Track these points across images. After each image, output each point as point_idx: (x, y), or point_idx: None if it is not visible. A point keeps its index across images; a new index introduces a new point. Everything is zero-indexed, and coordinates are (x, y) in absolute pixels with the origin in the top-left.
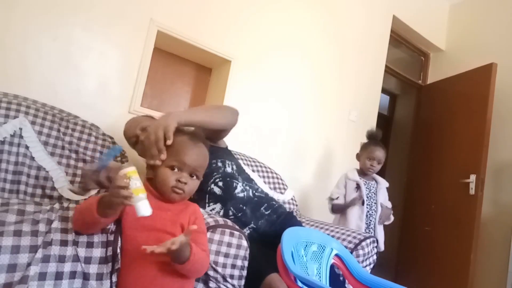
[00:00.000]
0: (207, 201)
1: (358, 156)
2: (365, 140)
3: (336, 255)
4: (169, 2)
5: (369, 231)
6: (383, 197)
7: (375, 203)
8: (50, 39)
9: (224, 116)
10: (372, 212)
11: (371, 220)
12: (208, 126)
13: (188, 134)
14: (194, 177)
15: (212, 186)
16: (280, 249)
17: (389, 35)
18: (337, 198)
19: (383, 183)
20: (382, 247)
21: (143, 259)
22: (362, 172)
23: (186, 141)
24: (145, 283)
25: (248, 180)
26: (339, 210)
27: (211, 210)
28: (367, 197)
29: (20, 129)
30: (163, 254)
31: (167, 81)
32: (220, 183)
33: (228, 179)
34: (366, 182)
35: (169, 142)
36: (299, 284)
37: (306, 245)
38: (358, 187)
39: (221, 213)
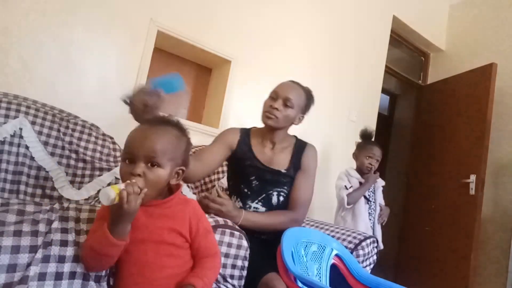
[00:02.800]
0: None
1: (355, 156)
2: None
3: (336, 255)
4: (169, 2)
5: (371, 229)
6: (380, 196)
7: (373, 202)
8: (50, 39)
9: (282, 226)
10: (371, 211)
11: (370, 219)
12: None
13: (151, 121)
14: (156, 166)
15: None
16: (280, 249)
17: (389, 35)
18: (350, 187)
19: (380, 182)
20: (381, 245)
21: (141, 276)
22: (360, 172)
23: (140, 127)
24: None
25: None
26: (356, 197)
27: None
28: (368, 195)
29: (20, 129)
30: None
31: None
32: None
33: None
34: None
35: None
36: (299, 284)
37: (306, 245)
38: (360, 184)
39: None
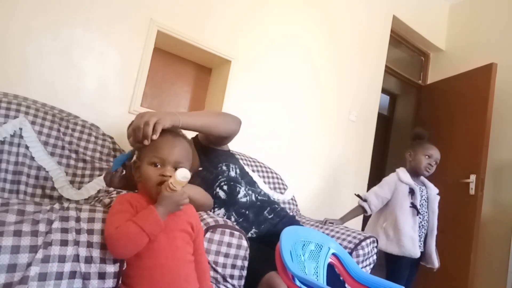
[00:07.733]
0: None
1: (410, 155)
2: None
3: (334, 254)
4: (169, 2)
5: (420, 244)
6: (435, 206)
7: (426, 211)
8: (50, 39)
9: (225, 123)
10: (424, 223)
11: (422, 232)
12: (207, 132)
13: (168, 131)
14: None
15: (218, 190)
16: (279, 248)
17: (389, 35)
18: (366, 202)
19: (434, 189)
20: (436, 264)
21: (171, 259)
22: (414, 173)
23: (165, 136)
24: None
25: (251, 184)
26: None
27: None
28: (420, 205)
29: (20, 129)
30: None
31: (167, 81)
32: (225, 187)
33: (232, 183)
34: (419, 187)
35: (154, 137)
36: (297, 283)
37: (304, 244)
38: (411, 192)
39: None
